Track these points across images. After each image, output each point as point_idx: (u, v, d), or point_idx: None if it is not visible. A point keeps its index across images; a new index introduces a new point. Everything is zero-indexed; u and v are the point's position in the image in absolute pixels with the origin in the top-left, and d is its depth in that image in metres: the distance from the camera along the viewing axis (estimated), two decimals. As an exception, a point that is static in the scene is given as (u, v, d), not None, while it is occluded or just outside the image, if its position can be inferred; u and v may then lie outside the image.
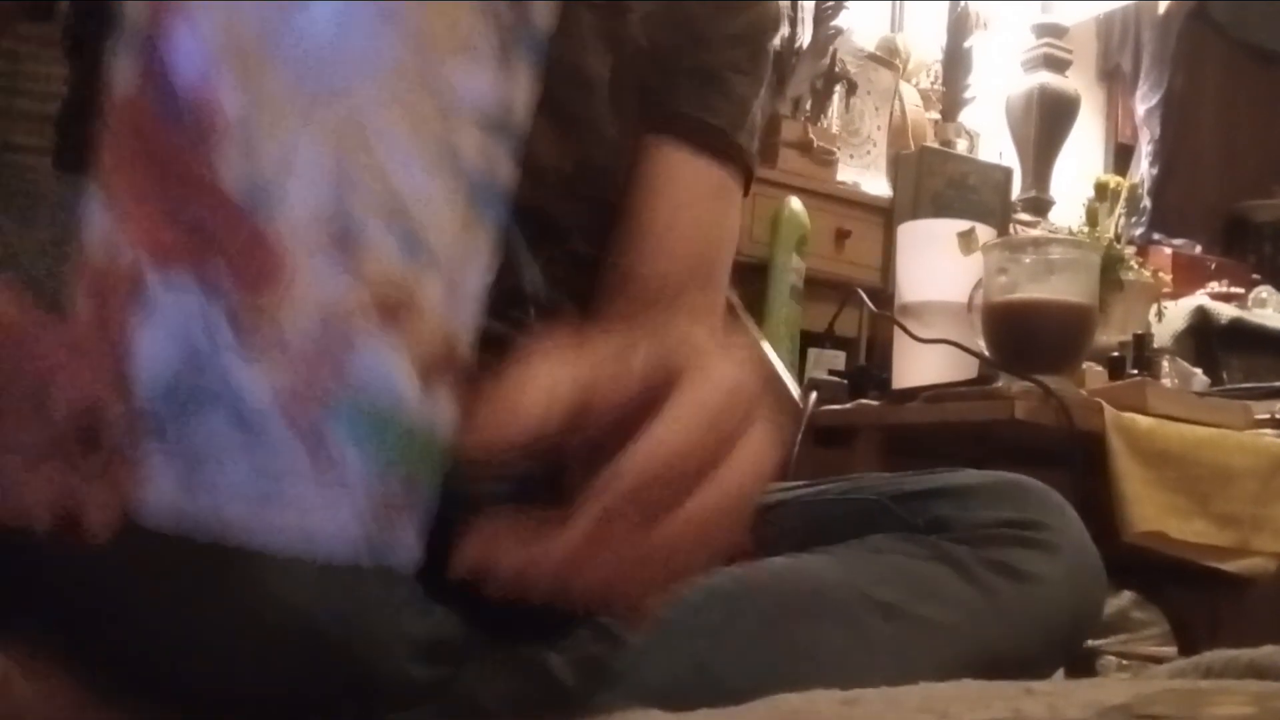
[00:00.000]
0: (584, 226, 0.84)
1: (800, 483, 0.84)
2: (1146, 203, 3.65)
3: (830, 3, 2.61)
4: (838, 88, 2.65)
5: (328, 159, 0.38)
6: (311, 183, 0.38)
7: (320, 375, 0.38)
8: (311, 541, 0.39)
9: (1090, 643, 2.00)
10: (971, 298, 1.69)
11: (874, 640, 0.68)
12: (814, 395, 1.67)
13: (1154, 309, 2.12)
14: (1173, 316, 2.51)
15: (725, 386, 0.47)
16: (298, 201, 0.38)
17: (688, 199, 0.87)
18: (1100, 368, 1.82)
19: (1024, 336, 1.62)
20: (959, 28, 3.17)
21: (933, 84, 3.10)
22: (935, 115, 3.02)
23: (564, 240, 0.82)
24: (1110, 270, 1.91)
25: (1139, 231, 3.51)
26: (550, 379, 0.43)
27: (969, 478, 0.77)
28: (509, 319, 0.78)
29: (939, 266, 1.85)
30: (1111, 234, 2.12)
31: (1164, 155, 3.79)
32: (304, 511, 0.38)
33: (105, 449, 0.35)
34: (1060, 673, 0.80)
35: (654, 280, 0.84)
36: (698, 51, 0.88)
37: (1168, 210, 3.70)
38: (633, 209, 0.86)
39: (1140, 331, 1.91)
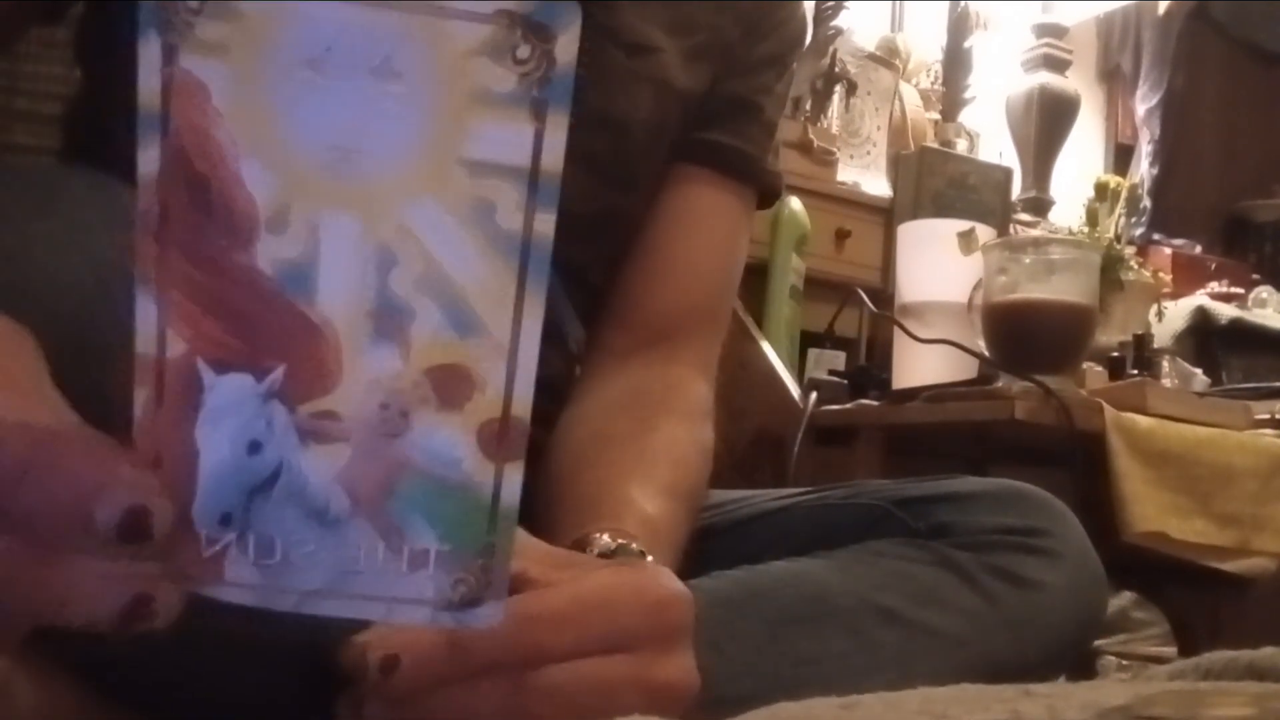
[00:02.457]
0: (601, 260, 0.84)
1: (803, 488, 0.84)
2: (1146, 203, 3.65)
3: (830, 3, 2.61)
4: (837, 88, 2.64)
5: (362, 237, 0.38)
6: (349, 263, 0.38)
7: (381, 455, 0.39)
8: (391, 611, 0.40)
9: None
10: (971, 298, 1.69)
11: (876, 647, 0.67)
12: (814, 395, 1.67)
13: (1154, 309, 2.12)
14: (1173, 316, 2.51)
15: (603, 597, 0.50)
16: (338, 284, 0.38)
17: (714, 234, 0.87)
18: (1100, 368, 1.82)
19: (1024, 336, 1.62)
20: (959, 28, 3.17)
21: (933, 84, 3.10)
22: (935, 115, 3.02)
23: (583, 276, 0.83)
24: (1110, 270, 1.91)
25: (1139, 231, 3.51)
26: None
27: (972, 484, 0.77)
28: (552, 366, 0.79)
29: (939, 266, 1.85)
30: (1111, 234, 2.12)
31: (1164, 155, 3.79)
32: (381, 585, 0.39)
33: (157, 542, 0.35)
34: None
35: (664, 315, 0.84)
36: (730, 79, 0.87)
37: (1168, 210, 3.70)
38: (657, 240, 0.85)
39: (1140, 332, 1.91)
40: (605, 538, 0.61)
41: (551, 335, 0.77)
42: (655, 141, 0.83)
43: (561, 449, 0.75)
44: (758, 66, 0.88)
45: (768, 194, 0.91)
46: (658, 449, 0.74)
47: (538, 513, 0.70)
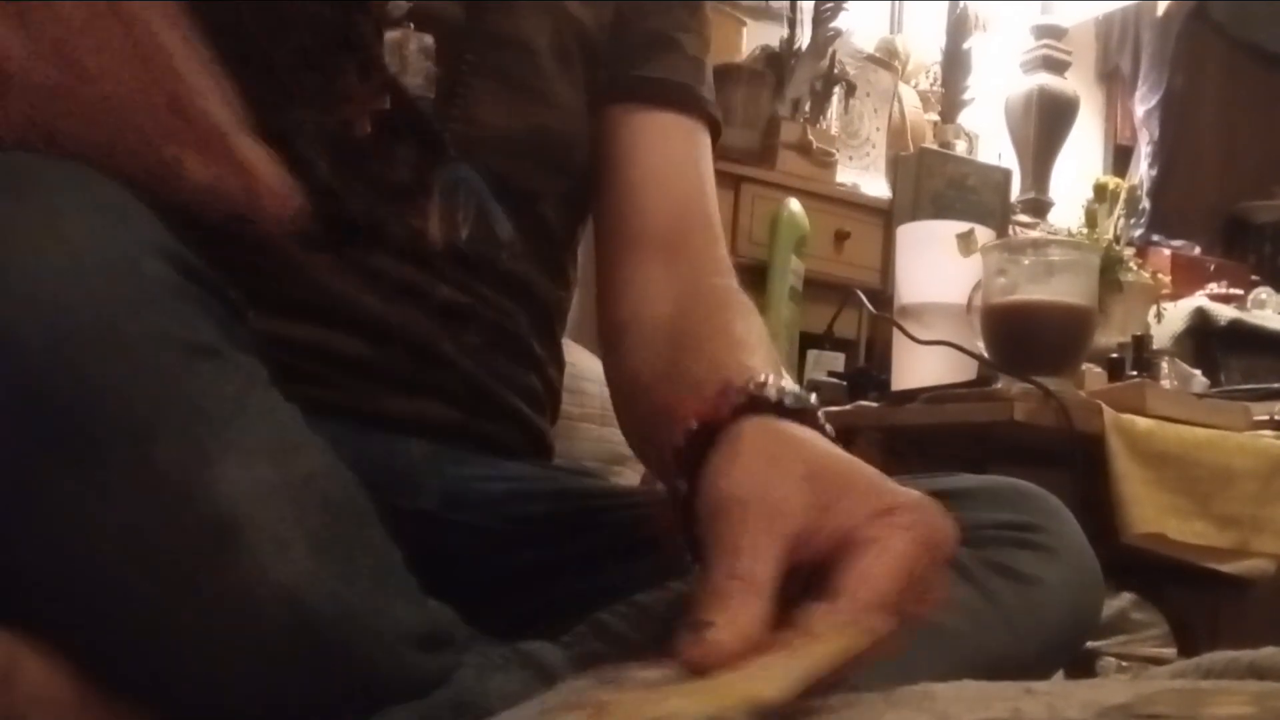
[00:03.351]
0: (549, 193, 0.86)
1: None
2: (1146, 204, 3.65)
3: (829, 4, 2.61)
4: (837, 89, 2.65)
5: None
6: None
7: None
8: None
9: (1090, 644, 2.00)
10: (970, 299, 1.69)
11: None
12: (813, 396, 1.67)
13: (1153, 310, 2.11)
14: (1172, 318, 2.51)
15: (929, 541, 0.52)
16: None
17: (667, 150, 0.90)
18: (1099, 369, 1.82)
19: (1023, 338, 1.62)
20: (958, 29, 3.17)
21: (932, 85, 3.10)
22: (934, 116, 3.03)
23: (532, 204, 0.85)
24: (1109, 271, 1.90)
25: (1138, 233, 3.51)
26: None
27: (967, 481, 0.77)
28: (491, 283, 0.82)
29: (938, 268, 1.85)
30: (1111, 235, 2.12)
31: (1163, 156, 3.79)
32: None
33: None
34: (1060, 674, 0.79)
35: (651, 223, 0.87)
36: (644, 17, 0.91)
37: (1167, 211, 3.70)
38: (614, 169, 0.89)
39: (1139, 333, 1.91)
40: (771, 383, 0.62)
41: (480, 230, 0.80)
42: (562, 65, 0.86)
43: (638, 356, 0.80)
44: (666, 5, 0.92)
45: (706, 123, 0.94)
46: (733, 323, 0.76)
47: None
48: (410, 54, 0.78)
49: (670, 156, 0.90)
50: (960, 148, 2.97)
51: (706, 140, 0.93)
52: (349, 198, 0.77)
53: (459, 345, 0.81)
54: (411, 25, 0.78)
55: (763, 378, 0.61)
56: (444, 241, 0.79)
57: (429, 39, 0.78)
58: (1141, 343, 1.87)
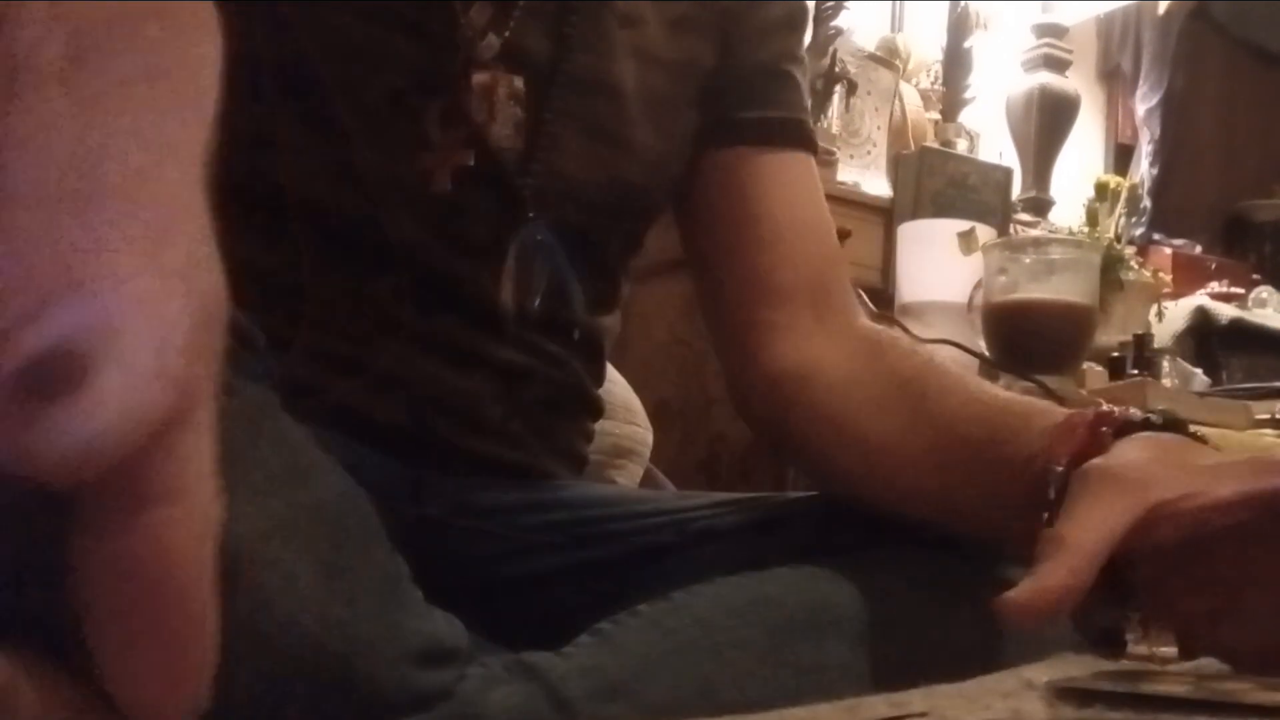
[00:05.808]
0: (614, 242, 0.84)
1: (802, 493, 0.84)
2: (1146, 203, 3.65)
3: (830, 3, 2.61)
4: (838, 88, 2.65)
5: None
6: None
7: None
8: None
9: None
10: (972, 298, 1.69)
11: (879, 658, 0.67)
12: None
13: (1154, 309, 2.12)
14: (1173, 316, 2.51)
15: None
16: None
17: (800, 194, 0.86)
18: (1100, 368, 1.82)
19: (1024, 337, 1.63)
20: (959, 28, 3.17)
21: (933, 84, 3.10)
22: (935, 115, 3.02)
23: (600, 251, 0.83)
24: (1110, 270, 1.91)
25: (1139, 231, 3.51)
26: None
27: None
28: (557, 341, 0.79)
29: (939, 267, 1.86)
30: (1112, 234, 2.12)
31: (1164, 155, 3.79)
32: None
33: None
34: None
35: (801, 275, 0.83)
36: (748, 49, 0.87)
37: (1168, 210, 3.70)
38: (746, 217, 0.85)
39: (1140, 332, 1.91)
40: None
41: (554, 301, 0.77)
42: (647, 112, 0.82)
43: (852, 412, 0.76)
44: (773, 31, 0.88)
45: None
46: (963, 376, 0.76)
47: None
48: (499, 100, 0.74)
49: (805, 201, 0.87)
50: (961, 146, 2.97)
51: (814, 167, 0.90)
52: (423, 257, 0.73)
53: (511, 406, 0.78)
54: (502, 67, 0.74)
55: (1120, 409, 0.62)
56: (516, 308, 0.76)
57: (519, 82, 0.74)
58: (1142, 341, 1.87)
